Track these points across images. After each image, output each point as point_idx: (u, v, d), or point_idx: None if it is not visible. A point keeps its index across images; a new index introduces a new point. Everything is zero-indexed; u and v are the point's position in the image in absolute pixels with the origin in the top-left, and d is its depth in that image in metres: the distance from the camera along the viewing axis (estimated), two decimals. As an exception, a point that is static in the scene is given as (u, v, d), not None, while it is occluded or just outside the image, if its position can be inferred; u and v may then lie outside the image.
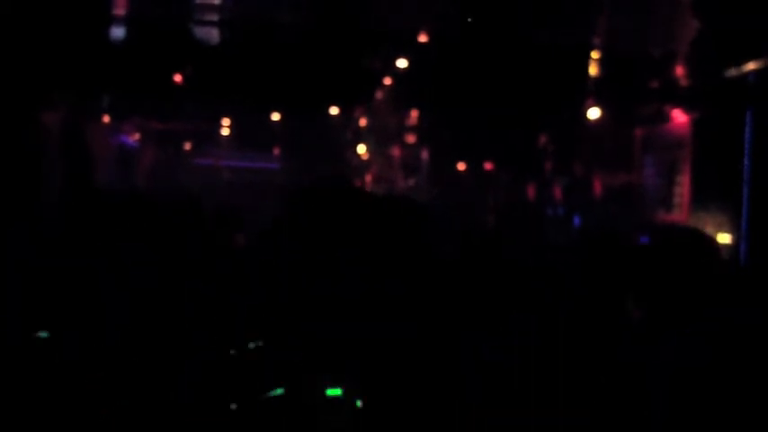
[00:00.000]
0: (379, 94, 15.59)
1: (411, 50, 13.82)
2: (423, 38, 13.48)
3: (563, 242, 11.67)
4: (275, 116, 16.14)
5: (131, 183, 15.11)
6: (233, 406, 2.86)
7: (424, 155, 16.28)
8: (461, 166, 15.64)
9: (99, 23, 12.00)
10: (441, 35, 13.30)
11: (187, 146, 17.69)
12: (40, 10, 8.98)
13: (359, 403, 3.21)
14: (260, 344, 3.33)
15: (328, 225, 3.45)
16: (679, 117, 12.09)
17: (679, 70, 11.69)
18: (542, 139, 14.10)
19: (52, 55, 9.27)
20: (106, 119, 14.79)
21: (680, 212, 12.01)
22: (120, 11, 12.94)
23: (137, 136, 16.55)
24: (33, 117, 9.40)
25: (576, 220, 13.12)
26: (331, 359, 3.19)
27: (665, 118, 12.25)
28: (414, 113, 15.92)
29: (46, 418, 2.68)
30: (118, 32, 12.67)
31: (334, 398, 3.07)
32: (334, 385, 3.07)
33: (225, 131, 17.38)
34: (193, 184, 13.73)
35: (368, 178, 16.71)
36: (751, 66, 10.17)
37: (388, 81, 14.94)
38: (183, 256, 3.72)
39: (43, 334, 2.91)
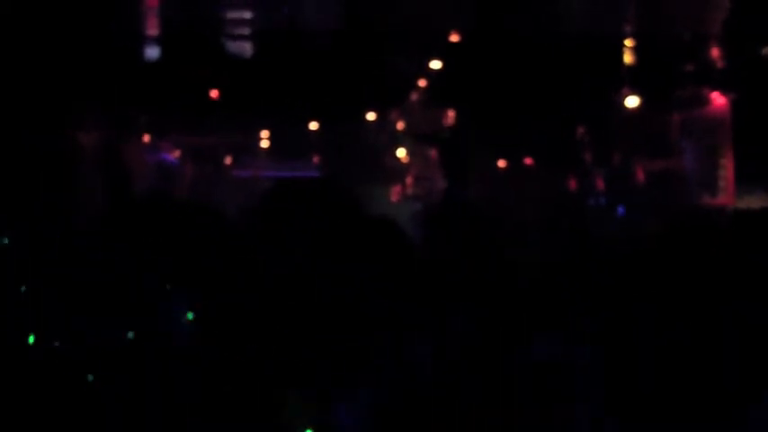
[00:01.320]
0: (414, 96, 15.58)
1: (443, 51, 13.81)
2: (454, 37, 13.47)
3: (607, 232, 11.62)
4: (312, 125, 16.16)
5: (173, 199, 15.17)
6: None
7: (464, 154, 16.24)
8: (501, 163, 15.60)
9: (133, 43, 12.08)
10: (472, 33, 13.28)
11: (227, 160, 17.74)
12: (76, 31, 9.05)
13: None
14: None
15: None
16: (717, 99, 12.01)
17: (714, 52, 11.62)
18: (581, 131, 14.04)
19: (88, 75, 9.35)
20: (145, 137, 14.87)
21: (725, 196, 11.92)
22: (153, 30, 13.02)
23: (176, 152, 16.61)
24: (71, 137, 9.49)
25: (621, 210, 13.05)
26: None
27: (704, 101, 12.17)
28: (450, 113, 15.91)
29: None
30: (152, 51, 12.74)
31: None
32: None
33: (263, 143, 17.42)
34: (234, 197, 13.78)
35: (408, 180, 16.70)
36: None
37: (422, 83, 14.93)
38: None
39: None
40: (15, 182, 7.46)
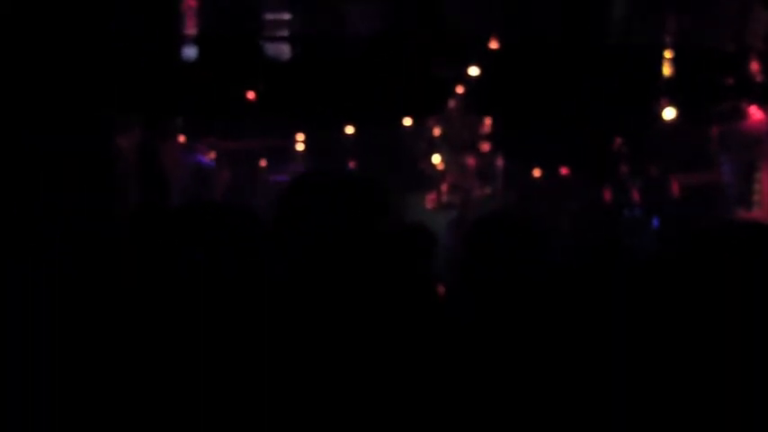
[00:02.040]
0: (451, 104, 15.56)
1: (482, 58, 13.78)
2: (493, 44, 13.44)
3: (642, 244, 11.56)
4: (349, 129, 16.18)
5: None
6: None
7: (499, 162, 16.21)
8: (537, 173, 15.57)
9: (171, 44, 12.11)
10: (511, 40, 13.26)
11: (262, 163, 17.78)
12: (114, 32, 9.08)
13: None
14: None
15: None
16: (756, 114, 11.93)
17: (754, 66, 11.55)
18: (617, 142, 13.99)
19: (125, 77, 9.37)
20: (181, 139, 14.92)
21: (760, 211, 11.85)
22: (191, 30, 13.06)
23: (212, 155, 16.67)
24: (109, 139, 9.51)
25: (655, 222, 12.99)
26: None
27: (742, 115, 12.10)
28: (487, 121, 15.88)
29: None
30: (190, 52, 12.77)
31: None
32: None
33: (299, 147, 17.45)
34: (270, 201, 13.80)
35: (443, 188, 16.68)
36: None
37: (460, 90, 14.91)
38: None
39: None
40: (52, 183, 7.49)
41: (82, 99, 8.35)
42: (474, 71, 14.19)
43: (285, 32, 14.42)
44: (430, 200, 16.74)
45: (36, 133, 7.83)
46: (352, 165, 16.48)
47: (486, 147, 16.16)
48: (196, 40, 12.74)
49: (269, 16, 14.25)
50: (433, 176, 16.80)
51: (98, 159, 8.52)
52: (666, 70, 12.64)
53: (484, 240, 3.87)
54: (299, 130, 17.00)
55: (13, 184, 6.79)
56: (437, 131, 16.55)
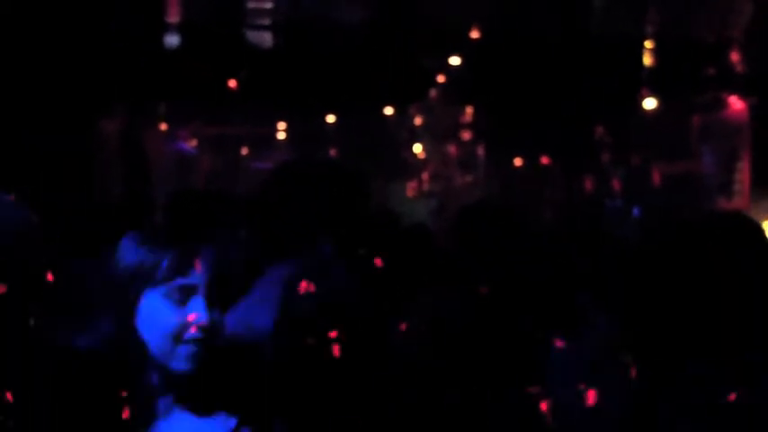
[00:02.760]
0: (433, 93, 15.59)
1: (463, 47, 13.81)
2: (475, 34, 13.46)
3: (624, 234, 11.60)
4: (330, 118, 16.19)
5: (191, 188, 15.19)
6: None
7: (481, 151, 16.25)
8: (518, 161, 15.61)
9: (153, 30, 12.09)
10: (492, 30, 13.29)
11: (244, 150, 17.77)
12: (95, 18, 9.07)
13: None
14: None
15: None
16: (736, 104, 11.99)
17: (734, 56, 11.60)
18: (599, 131, 14.03)
19: (108, 63, 9.36)
20: (163, 126, 14.90)
21: (740, 200, 11.91)
22: (173, 18, 13.03)
23: (194, 142, 16.65)
24: (91, 125, 9.50)
25: (636, 211, 13.04)
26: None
27: (722, 105, 12.15)
28: (468, 110, 15.91)
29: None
30: (172, 39, 12.75)
31: None
32: None
33: (281, 135, 17.45)
34: (251, 188, 13.78)
35: (425, 176, 16.71)
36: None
37: (441, 79, 14.94)
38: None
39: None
40: (36, 172, 7.50)
41: (63, 88, 8.37)
42: (455, 60, 14.22)
43: (267, 21, 14.41)
44: (411, 188, 16.78)
45: (20, 128, 7.85)
46: (333, 153, 16.49)
47: (467, 135, 16.20)
48: (179, 28, 12.73)
49: (251, 4, 14.23)
50: (415, 165, 16.84)
51: (78, 154, 8.53)
52: (647, 60, 12.68)
53: (468, 230, 3.89)
54: (281, 118, 17.01)
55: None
56: (418, 120, 16.59)
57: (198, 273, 2.37)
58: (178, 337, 2.34)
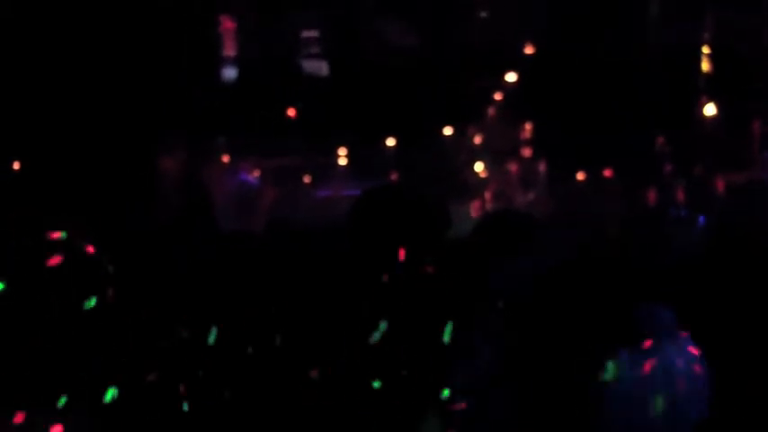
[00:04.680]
0: (491, 111, 15.56)
1: (519, 63, 13.79)
2: (529, 49, 13.45)
3: (690, 244, 11.49)
4: (390, 142, 16.21)
5: (254, 219, 15.28)
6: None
7: (542, 167, 16.18)
8: (580, 176, 15.51)
9: (210, 65, 12.22)
10: (547, 44, 13.26)
11: (306, 179, 17.82)
12: (153, 54, 9.17)
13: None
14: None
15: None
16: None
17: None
18: (660, 142, 13.93)
19: (167, 98, 9.47)
20: (225, 158, 15.01)
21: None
22: (230, 51, 13.15)
23: (256, 173, 16.73)
24: (151, 161, 9.61)
25: (701, 220, 12.91)
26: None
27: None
28: (528, 126, 15.86)
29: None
30: (229, 72, 12.88)
31: None
32: None
33: (342, 161, 17.48)
34: (316, 216, 13.83)
35: (487, 195, 16.66)
36: None
37: (498, 96, 14.91)
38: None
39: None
40: (100, 205, 7.59)
41: (123, 122, 8.47)
42: (511, 77, 14.19)
43: (320, 49, 14.48)
44: (474, 208, 16.73)
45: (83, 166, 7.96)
46: (394, 177, 16.49)
47: (527, 152, 16.14)
48: (235, 62, 12.84)
49: (304, 34, 14.32)
50: (477, 185, 16.79)
51: (142, 178, 8.64)
52: (706, 67, 12.59)
53: (484, 234, 4.06)
54: (341, 145, 17.04)
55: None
56: (478, 139, 16.54)
57: None
58: None
